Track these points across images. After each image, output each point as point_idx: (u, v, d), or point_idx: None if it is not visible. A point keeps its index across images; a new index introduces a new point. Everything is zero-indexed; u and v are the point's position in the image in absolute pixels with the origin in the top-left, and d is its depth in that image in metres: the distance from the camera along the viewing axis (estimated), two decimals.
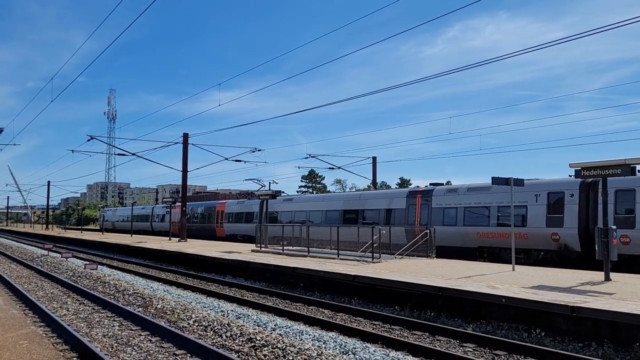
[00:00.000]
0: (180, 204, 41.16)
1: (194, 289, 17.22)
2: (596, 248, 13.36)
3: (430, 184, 27.60)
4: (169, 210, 51.38)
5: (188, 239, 36.46)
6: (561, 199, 20.22)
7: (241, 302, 14.43)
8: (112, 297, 14.48)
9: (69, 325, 10.35)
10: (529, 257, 20.73)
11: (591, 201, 19.60)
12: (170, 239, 38.72)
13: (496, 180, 16.36)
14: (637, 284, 12.84)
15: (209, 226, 45.05)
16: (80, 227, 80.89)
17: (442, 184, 28.75)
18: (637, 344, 9.09)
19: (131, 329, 10.41)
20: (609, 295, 11.06)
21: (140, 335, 9.90)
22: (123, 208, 79.98)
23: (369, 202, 29.22)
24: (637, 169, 13.22)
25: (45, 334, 9.96)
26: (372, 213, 28.48)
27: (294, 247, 24.30)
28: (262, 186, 46.59)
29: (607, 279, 13.34)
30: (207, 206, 46.91)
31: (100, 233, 57.19)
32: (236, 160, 37.86)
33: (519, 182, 16.81)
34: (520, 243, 20.38)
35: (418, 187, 28.03)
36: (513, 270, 15.92)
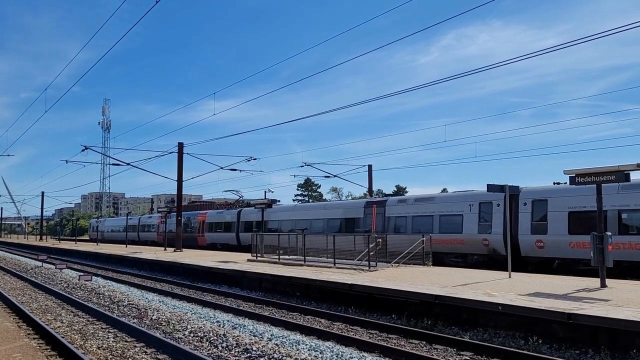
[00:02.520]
0: (163, 214, 42.65)
1: (189, 300, 17.12)
2: (591, 255, 13.38)
3: (385, 195, 29.69)
4: (154, 220, 54.70)
5: (175, 249, 36.29)
6: (489, 208, 22.56)
7: (237, 313, 14.34)
8: (106, 308, 14.37)
9: (63, 337, 10.26)
10: (465, 260, 22.81)
11: (513, 210, 21.62)
12: (165, 249, 38.52)
13: (491, 188, 16.40)
14: (633, 290, 12.86)
15: (192, 235, 46.59)
16: (74, 238, 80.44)
17: (402, 193, 31.68)
18: (635, 350, 9.09)
19: (126, 341, 10.33)
20: (605, 302, 11.07)
21: (135, 346, 9.82)
22: (111, 219, 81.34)
23: (333, 212, 32.11)
24: (629, 175, 13.24)
25: (39, 346, 9.85)
26: (335, 222, 31.08)
27: (290, 256, 24.22)
28: (241, 197, 48.71)
29: (603, 285, 13.35)
30: (189, 216, 48.55)
31: (95, 244, 56.93)
32: (231, 169, 37.94)
33: (515, 190, 16.85)
34: (458, 248, 22.92)
35: (375, 197, 31.07)
36: (509, 277, 15.93)
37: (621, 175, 12.84)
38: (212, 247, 42.20)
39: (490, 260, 22.31)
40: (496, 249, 22.34)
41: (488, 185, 16.41)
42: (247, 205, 35.92)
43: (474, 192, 24.32)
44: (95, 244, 56.48)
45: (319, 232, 28.71)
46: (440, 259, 22.94)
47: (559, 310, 10.15)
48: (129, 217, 63.96)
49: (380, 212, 27.97)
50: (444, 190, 49.95)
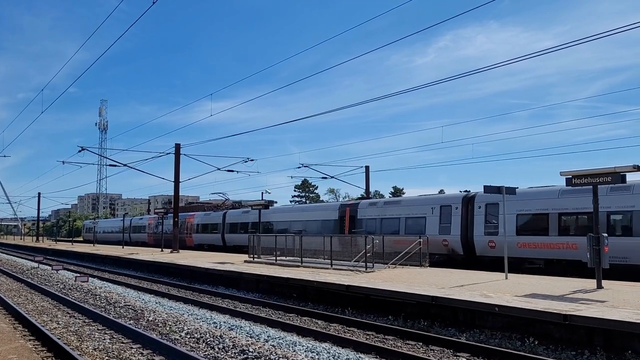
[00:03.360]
0: (154, 216, 43.54)
1: (186, 301, 17.09)
2: (588, 256, 13.42)
3: (358, 199, 31.06)
4: (144, 222, 57.04)
5: (172, 250, 36.25)
6: (449, 211, 24.06)
7: (234, 314, 14.32)
8: (103, 309, 14.33)
9: (59, 338, 10.23)
10: (427, 260, 23.39)
11: (469, 213, 23.33)
12: (162, 250, 38.48)
13: (488, 189, 16.45)
14: (629, 292, 12.89)
15: (180, 237, 47.47)
16: (71, 239, 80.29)
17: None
18: (630, 351, 9.11)
19: (122, 342, 10.30)
20: (601, 303, 11.09)
21: (132, 348, 9.80)
22: (104, 220, 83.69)
23: (310, 214, 33.77)
24: (626, 176, 13.28)
25: (35, 347, 9.83)
26: (313, 223, 32.63)
27: (287, 258, 24.22)
28: (227, 199, 50.07)
29: (599, 286, 13.38)
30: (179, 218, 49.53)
31: (92, 245, 56.89)
32: (229, 171, 37.89)
33: (511, 191, 16.90)
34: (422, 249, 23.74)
35: (349, 201, 32.97)
36: (506, 278, 15.95)
37: (617, 176, 12.88)
38: (199, 247, 43.66)
39: (449, 260, 23.47)
40: (455, 249, 23.65)
41: (485, 186, 16.47)
42: (232, 208, 37.84)
43: (435, 196, 26.65)
44: (92, 245, 56.43)
45: (297, 234, 29.91)
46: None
47: (555, 311, 10.17)
48: (120, 219, 65.49)
49: (353, 215, 29.47)
50: (441, 191, 50.04)
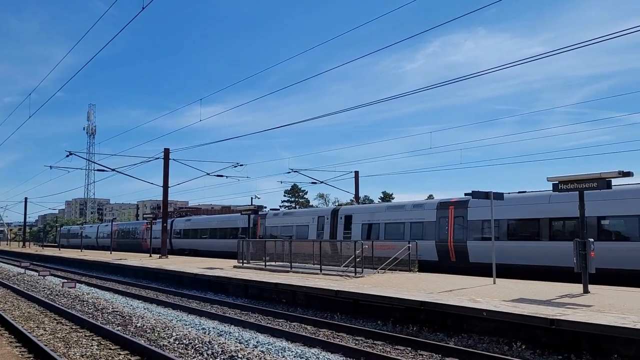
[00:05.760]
0: (117, 222, 47.16)
1: (174, 307, 17.00)
2: (574, 261, 13.55)
3: (347, 204, 35.99)
4: (108, 229, 60.82)
5: (160, 255, 36.04)
6: (323, 220, 30.66)
7: (223, 319, 14.28)
8: (90, 315, 14.21)
9: (45, 345, 10.12)
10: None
11: (335, 222, 29.81)
12: (150, 256, 38.24)
13: (476, 194, 16.55)
14: (615, 296, 13.04)
15: (137, 241, 54.59)
16: (58, 244, 79.51)
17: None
18: (616, 355, 9.22)
19: (110, 348, 10.23)
20: (587, 308, 11.21)
21: (120, 354, 9.73)
22: (75, 226, 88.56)
23: (229, 222, 40.06)
24: (611, 182, 13.46)
25: (22, 354, 9.73)
26: (230, 230, 38.84)
27: (277, 263, 24.18)
28: (175, 208, 57.57)
29: (586, 291, 13.53)
30: (137, 225, 57.52)
31: (79, 250, 56.38)
32: (218, 176, 37.74)
33: (499, 196, 17.02)
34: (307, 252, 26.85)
35: (263, 211, 37.41)
36: (494, 283, 16.06)
37: (602, 182, 13.05)
38: (180, 252, 48.63)
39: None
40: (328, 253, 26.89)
41: (473, 192, 16.57)
42: (179, 216, 44.83)
43: (316, 209, 34.17)
44: (80, 250, 55.97)
45: (214, 238, 40.63)
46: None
47: (542, 316, 10.26)
48: (90, 225, 76.17)
49: (262, 223, 35.69)
50: (430, 196, 50.47)
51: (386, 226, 26.38)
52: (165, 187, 36.62)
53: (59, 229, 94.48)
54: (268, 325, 13.28)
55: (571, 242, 14.08)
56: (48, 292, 20.03)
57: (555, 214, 19.70)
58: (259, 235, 34.65)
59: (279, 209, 37.76)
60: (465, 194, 18.18)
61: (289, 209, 60.58)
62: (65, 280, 23.52)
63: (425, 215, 24.52)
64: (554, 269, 18.90)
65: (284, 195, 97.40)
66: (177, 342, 10.34)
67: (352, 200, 46.67)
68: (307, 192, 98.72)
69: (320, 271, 20.78)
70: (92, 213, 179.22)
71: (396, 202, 29.26)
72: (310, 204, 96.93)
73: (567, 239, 17.80)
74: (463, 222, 22.75)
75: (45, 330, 12.34)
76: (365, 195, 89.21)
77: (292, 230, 31.81)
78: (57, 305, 15.97)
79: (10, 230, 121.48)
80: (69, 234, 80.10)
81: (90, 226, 75.01)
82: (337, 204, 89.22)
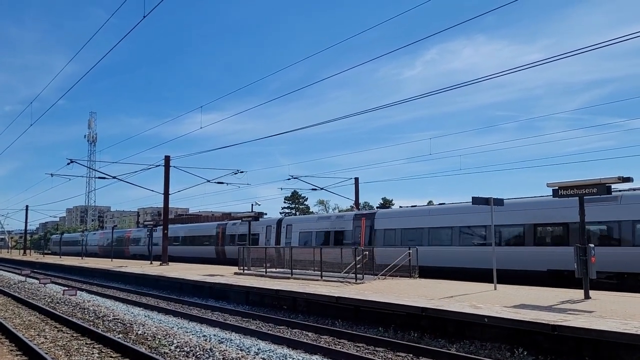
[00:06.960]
0: (102, 231, 50.83)
1: (175, 314, 16.97)
2: (575, 266, 13.54)
3: (346, 210, 37.11)
4: (97, 236, 65.66)
5: (161, 262, 35.99)
6: (271, 229, 35.38)
7: (224, 326, 14.25)
8: (91, 323, 14.19)
9: (46, 353, 10.11)
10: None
11: (279, 231, 34.51)
12: (151, 263, 38.21)
13: (476, 200, 16.56)
14: (616, 302, 13.02)
15: (121, 248, 57.13)
16: (59, 252, 79.45)
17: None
18: None
19: (111, 356, 10.21)
20: (589, 314, 11.20)
21: None
22: (69, 234, 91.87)
23: (202, 230, 44.58)
24: (611, 188, 13.48)
25: None
26: (202, 238, 43.48)
27: (277, 269, 24.17)
28: (153, 219, 61.44)
29: (587, 297, 13.51)
30: (121, 234, 60.67)
31: (80, 258, 56.38)
32: (218, 182, 37.75)
33: (499, 202, 17.03)
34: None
35: (227, 221, 41.77)
36: (495, 289, 16.04)
37: (602, 187, 13.06)
38: (133, 257, 53.10)
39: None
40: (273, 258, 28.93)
41: (473, 197, 16.58)
42: (156, 225, 46.60)
43: (267, 219, 36.56)
44: (80, 258, 55.97)
45: (189, 244, 45.26)
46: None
47: (543, 321, 10.25)
48: (79, 234, 79.74)
49: (224, 231, 40.40)
50: (430, 202, 50.56)
51: (317, 234, 31.37)
52: (166, 194, 36.63)
53: (50, 237, 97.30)
54: (269, 332, 13.26)
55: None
56: (49, 300, 20.00)
57: (434, 225, 24.38)
58: (220, 244, 40.66)
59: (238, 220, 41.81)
60: (472, 198, 17.87)
61: (287, 215, 62.86)
62: (66, 288, 23.49)
63: (345, 225, 29.57)
64: (434, 269, 22.66)
65: (284, 202, 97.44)
66: (178, 350, 10.32)
67: (352, 207, 46.72)
68: (307, 198, 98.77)
69: (321, 277, 20.76)
70: (92, 220, 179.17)
71: (323, 214, 35.65)
72: (311, 210, 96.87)
73: (445, 244, 23.39)
74: (371, 231, 27.61)
75: (46, 338, 12.32)
76: (365, 202, 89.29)
77: (245, 238, 34.30)
78: (57, 313, 15.94)
79: (11, 238, 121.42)
80: (61, 242, 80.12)
81: (94, 233, 75.99)
82: (337, 210, 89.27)
